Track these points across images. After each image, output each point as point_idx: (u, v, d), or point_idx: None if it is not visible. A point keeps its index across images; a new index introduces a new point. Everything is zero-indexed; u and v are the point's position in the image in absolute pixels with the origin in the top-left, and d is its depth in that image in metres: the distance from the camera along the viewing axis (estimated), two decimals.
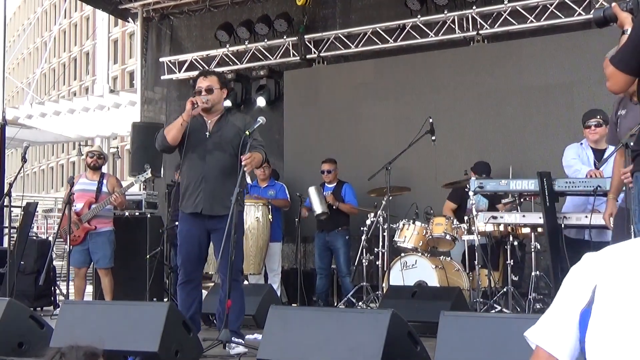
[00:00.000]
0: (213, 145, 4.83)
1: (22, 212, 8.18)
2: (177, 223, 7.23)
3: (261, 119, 4.80)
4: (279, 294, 7.40)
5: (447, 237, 6.72)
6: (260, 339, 4.00)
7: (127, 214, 7.66)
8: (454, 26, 8.36)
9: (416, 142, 6.72)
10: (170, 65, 10.26)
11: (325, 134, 9.09)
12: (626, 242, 1.52)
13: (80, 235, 6.93)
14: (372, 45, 8.93)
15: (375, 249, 7.15)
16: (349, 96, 9.01)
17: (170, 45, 10.47)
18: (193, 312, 4.79)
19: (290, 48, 9.38)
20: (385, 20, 8.81)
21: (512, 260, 6.12)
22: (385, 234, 6.92)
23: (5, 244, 8.68)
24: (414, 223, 6.86)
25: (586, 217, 5.21)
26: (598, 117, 5.55)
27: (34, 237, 9.07)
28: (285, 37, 9.35)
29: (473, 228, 6.42)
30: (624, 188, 4.08)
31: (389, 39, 8.80)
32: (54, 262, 8.22)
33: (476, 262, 6.34)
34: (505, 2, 8.04)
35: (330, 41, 9.21)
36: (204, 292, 6.81)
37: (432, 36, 8.53)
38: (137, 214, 7.72)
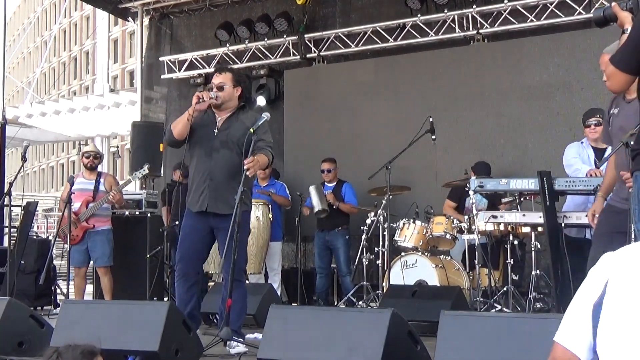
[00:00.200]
0: (220, 142, 4.77)
1: (22, 212, 8.18)
2: (177, 222, 7.29)
3: (265, 115, 4.73)
4: (279, 294, 7.40)
5: (448, 236, 6.72)
6: (260, 338, 4.00)
7: (127, 213, 7.66)
8: (454, 25, 8.36)
9: (416, 142, 6.71)
10: (171, 64, 10.26)
11: (325, 133, 9.09)
12: None
13: (79, 235, 6.93)
14: (372, 45, 8.92)
15: (376, 248, 7.15)
16: (349, 95, 9.01)
17: (170, 45, 10.47)
18: (191, 308, 4.73)
19: (291, 47, 9.38)
20: (386, 20, 8.81)
21: (512, 260, 6.12)
22: (386, 233, 6.92)
23: (6, 244, 8.67)
24: (414, 222, 6.86)
25: (586, 216, 5.20)
26: (598, 116, 5.55)
27: (34, 237, 9.07)
28: (285, 36, 9.35)
29: (473, 227, 6.43)
30: (614, 188, 4.09)
31: (389, 38, 8.79)
32: (54, 262, 8.22)
33: (476, 262, 6.34)
34: (506, 1, 8.03)
35: (330, 40, 9.21)
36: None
37: (432, 35, 8.52)
38: (137, 213, 7.72)
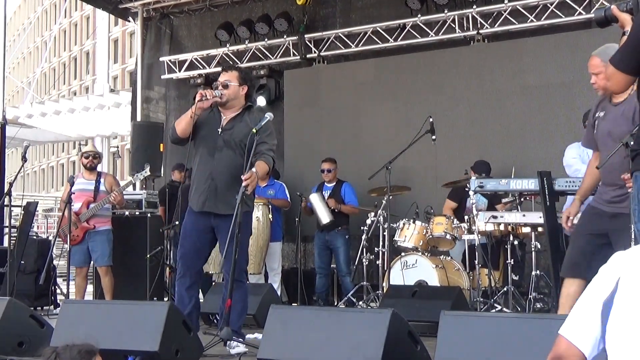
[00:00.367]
0: (223, 142, 4.74)
1: (23, 212, 8.18)
2: (177, 222, 7.29)
3: (268, 115, 4.71)
4: (279, 294, 7.40)
5: (448, 236, 6.72)
6: (260, 339, 4.00)
7: (127, 213, 7.66)
8: (454, 25, 8.36)
9: (416, 142, 6.72)
10: (171, 64, 10.26)
11: (325, 133, 9.09)
12: None
13: (79, 235, 6.93)
14: (373, 45, 8.92)
15: (376, 249, 7.15)
16: (349, 96, 9.01)
17: (170, 45, 10.46)
18: (190, 309, 4.70)
19: (291, 47, 9.38)
20: (386, 20, 8.81)
21: (512, 260, 6.13)
22: (386, 233, 6.92)
23: (6, 244, 8.68)
24: (414, 222, 6.86)
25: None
26: None
27: (34, 237, 9.08)
28: (285, 36, 9.35)
29: (473, 227, 6.43)
30: (598, 190, 4.09)
31: (389, 38, 8.79)
32: (54, 262, 8.22)
33: (476, 262, 6.34)
34: (506, 1, 8.03)
35: (330, 40, 9.21)
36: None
37: (432, 36, 8.52)
38: (137, 213, 7.72)
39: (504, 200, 6.30)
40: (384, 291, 6.49)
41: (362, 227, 7.31)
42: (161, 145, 8.98)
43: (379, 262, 7.01)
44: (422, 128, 6.68)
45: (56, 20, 50.17)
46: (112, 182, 7.22)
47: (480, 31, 8.21)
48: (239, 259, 4.43)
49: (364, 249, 7.32)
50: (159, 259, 7.39)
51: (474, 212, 6.28)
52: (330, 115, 9.10)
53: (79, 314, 4.17)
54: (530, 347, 3.02)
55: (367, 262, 7.28)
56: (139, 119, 10.34)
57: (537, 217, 5.65)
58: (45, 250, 7.85)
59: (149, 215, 7.62)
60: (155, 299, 7.33)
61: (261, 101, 9.36)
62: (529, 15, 7.99)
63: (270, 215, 7.46)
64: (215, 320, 5.87)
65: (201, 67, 9.99)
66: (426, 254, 6.73)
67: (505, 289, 6.24)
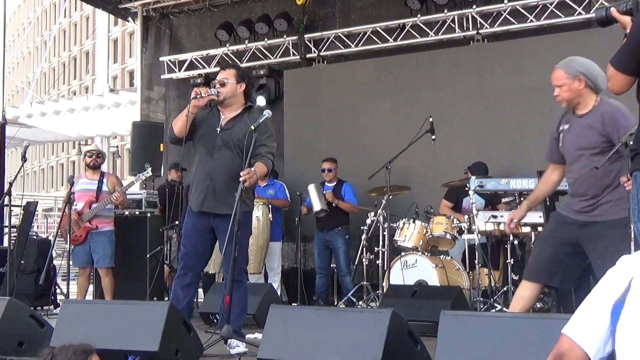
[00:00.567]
0: (222, 142, 4.72)
1: (22, 212, 8.18)
2: (176, 222, 7.30)
3: (267, 113, 4.69)
4: (279, 293, 7.40)
5: (448, 236, 6.73)
6: (260, 338, 4.00)
7: (127, 213, 7.66)
8: (453, 25, 8.37)
9: (416, 142, 6.72)
10: (170, 64, 10.26)
11: (325, 133, 9.09)
12: None
13: (82, 235, 6.93)
14: (372, 45, 8.93)
15: (376, 248, 7.16)
16: (349, 95, 9.01)
17: (170, 45, 10.46)
18: (182, 308, 4.62)
19: (290, 47, 9.38)
20: (385, 20, 8.81)
21: (512, 259, 6.13)
22: (386, 233, 6.93)
23: (6, 243, 8.67)
24: (414, 222, 6.86)
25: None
26: None
27: (34, 237, 9.07)
28: (285, 36, 9.35)
29: (473, 227, 6.43)
30: (566, 200, 4.14)
31: (389, 38, 8.80)
32: (54, 262, 8.22)
33: (476, 261, 6.35)
34: (505, 1, 8.04)
35: (330, 40, 9.21)
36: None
37: (432, 35, 8.53)
38: (137, 213, 7.72)
39: (504, 200, 6.30)
40: (384, 291, 6.50)
41: (362, 227, 7.32)
42: (161, 145, 8.99)
43: (379, 261, 7.02)
44: (421, 128, 6.68)
45: (56, 20, 50.15)
46: (114, 182, 7.22)
47: (480, 31, 8.21)
48: (239, 258, 4.43)
49: (364, 249, 7.33)
50: (158, 259, 7.39)
51: (474, 211, 6.29)
52: (330, 115, 9.10)
53: (79, 314, 4.17)
54: (530, 347, 3.02)
55: (367, 262, 7.29)
56: (138, 119, 10.34)
57: (537, 217, 5.65)
58: (45, 250, 7.85)
59: (148, 215, 7.62)
60: (155, 299, 7.33)
61: (261, 101, 9.36)
62: (528, 15, 7.99)
63: (270, 215, 7.47)
64: (215, 320, 5.86)
65: (201, 67, 9.99)
66: (426, 253, 6.73)
67: (505, 288, 6.24)
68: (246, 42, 9.55)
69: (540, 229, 5.82)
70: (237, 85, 4.80)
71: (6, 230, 8.40)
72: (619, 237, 3.68)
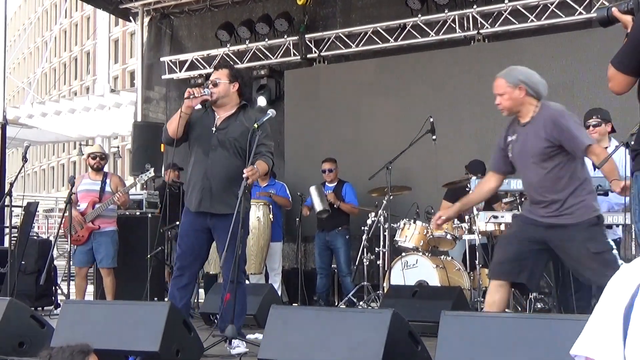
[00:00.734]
0: (218, 141, 4.74)
1: (23, 212, 8.18)
2: (177, 222, 7.29)
3: (271, 112, 4.71)
4: (279, 294, 7.40)
5: (448, 236, 6.72)
6: (261, 339, 4.00)
7: (127, 213, 7.66)
8: (454, 25, 8.36)
9: (417, 142, 6.72)
10: (171, 64, 10.26)
11: (325, 133, 9.09)
12: None
13: (84, 235, 6.94)
14: (373, 45, 8.92)
15: (376, 249, 7.16)
16: (350, 95, 9.01)
17: (170, 45, 10.46)
18: (179, 309, 4.69)
19: (291, 47, 9.38)
20: (386, 20, 8.81)
21: None
22: (386, 233, 6.93)
23: (6, 244, 8.68)
24: (414, 222, 6.86)
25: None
26: (595, 117, 5.56)
27: (35, 237, 9.08)
28: (285, 36, 9.35)
29: (474, 227, 6.43)
30: (527, 203, 4.24)
31: (389, 38, 8.79)
32: (55, 262, 8.22)
33: (477, 262, 6.34)
34: (506, 1, 8.03)
35: (330, 40, 9.21)
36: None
37: (432, 35, 8.53)
38: (137, 213, 7.72)
39: (504, 200, 6.29)
40: (385, 291, 6.50)
41: (362, 227, 7.32)
42: (162, 145, 8.98)
43: (380, 262, 7.02)
44: (422, 128, 6.68)
45: (56, 20, 50.18)
46: (117, 182, 7.23)
47: (481, 31, 8.21)
48: (238, 258, 4.45)
49: (365, 249, 7.33)
50: (159, 259, 7.39)
51: (475, 212, 6.28)
52: (330, 116, 9.10)
53: (79, 315, 4.17)
54: (530, 347, 3.02)
55: (367, 262, 7.29)
56: (139, 119, 10.34)
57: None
58: (46, 250, 7.85)
59: (149, 215, 7.62)
60: (155, 299, 7.33)
61: (261, 101, 9.36)
62: (529, 15, 7.99)
63: (271, 216, 7.47)
64: (215, 320, 5.87)
65: (202, 67, 9.99)
66: (427, 254, 6.73)
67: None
68: (247, 43, 9.55)
69: None
70: (230, 85, 4.82)
71: (7, 230, 8.41)
72: (587, 238, 3.84)
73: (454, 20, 8.35)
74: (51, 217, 20.61)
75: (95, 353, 2.23)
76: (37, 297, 7.96)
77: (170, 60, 10.26)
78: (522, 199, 5.90)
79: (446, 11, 8.31)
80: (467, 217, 6.71)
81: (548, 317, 3.54)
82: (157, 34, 10.54)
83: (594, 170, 5.49)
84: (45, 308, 7.96)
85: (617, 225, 5.40)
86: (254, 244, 7.19)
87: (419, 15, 8.49)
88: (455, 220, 6.80)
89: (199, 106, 4.87)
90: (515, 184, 5.73)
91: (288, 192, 8.09)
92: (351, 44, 9.06)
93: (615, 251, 3.97)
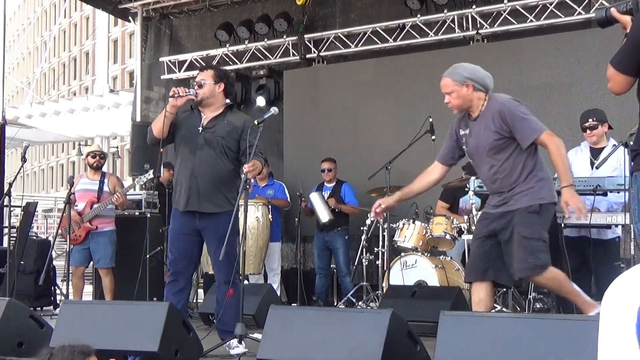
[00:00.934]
0: (205, 141, 4.75)
1: (22, 212, 8.18)
2: None
3: (274, 110, 4.75)
4: (278, 294, 7.40)
5: (447, 236, 6.72)
6: (260, 339, 4.00)
7: (126, 213, 7.66)
8: (453, 25, 8.36)
9: (416, 142, 6.72)
10: (170, 64, 10.26)
11: (325, 133, 9.09)
12: None
13: (82, 235, 6.94)
14: (372, 45, 8.93)
15: (375, 249, 7.15)
16: (349, 96, 9.01)
17: (170, 45, 10.46)
18: None
19: (290, 48, 9.38)
20: (385, 20, 8.81)
21: None
22: (385, 233, 6.92)
23: (5, 244, 8.68)
24: (413, 223, 6.86)
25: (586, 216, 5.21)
26: (591, 119, 5.56)
27: (34, 237, 9.07)
28: (285, 36, 9.35)
29: (473, 227, 6.42)
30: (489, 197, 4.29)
31: (388, 38, 8.80)
32: (54, 262, 8.22)
33: None
34: (505, 1, 8.03)
35: (330, 41, 9.21)
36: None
37: (432, 35, 8.53)
38: (136, 213, 7.72)
39: None
40: (384, 291, 6.49)
41: (361, 227, 7.32)
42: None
43: (379, 262, 7.02)
44: (421, 128, 6.68)
45: (56, 20, 50.17)
46: (115, 182, 7.23)
47: (480, 31, 8.21)
48: (232, 258, 4.47)
49: (364, 249, 7.33)
50: (158, 259, 7.39)
51: (474, 212, 6.28)
52: (329, 115, 9.10)
53: (78, 315, 4.17)
54: (530, 347, 3.02)
55: (366, 262, 7.29)
56: (138, 119, 10.33)
57: None
58: (45, 250, 7.85)
59: (148, 215, 7.62)
60: (154, 299, 7.33)
61: (261, 101, 9.36)
62: (528, 15, 7.99)
63: (270, 215, 7.47)
64: (215, 321, 5.86)
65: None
66: (426, 254, 6.73)
67: (505, 289, 6.23)
68: (246, 43, 9.55)
69: None
70: (216, 86, 4.84)
71: (6, 230, 8.40)
72: (521, 222, 3.92)
73: (453, 21, 8.35)
74: (50, 217, 20.58)
75: (95, 354, 2.23)
76: (36, 297, 7.96)
77: (170, 61, 10.26)
78: None
79: (445, 11, 8.32)
80: (466, 217, 6.71)
81: (547, 317, 3.54)
82: (156, 34, 10.54)
83: (593, 170, 5.52)
84: (44, 308, 7.96)
85: (617, 225, 5.41)
86: (252, 244, 7.19)
87: (418, 16, 8.49)
88: (455, 220, 6.81)
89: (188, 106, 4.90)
90: None
91: (287, 192, 8.09)
92: (350, 44, 9.06)
93: (545, 246, 3.97)
